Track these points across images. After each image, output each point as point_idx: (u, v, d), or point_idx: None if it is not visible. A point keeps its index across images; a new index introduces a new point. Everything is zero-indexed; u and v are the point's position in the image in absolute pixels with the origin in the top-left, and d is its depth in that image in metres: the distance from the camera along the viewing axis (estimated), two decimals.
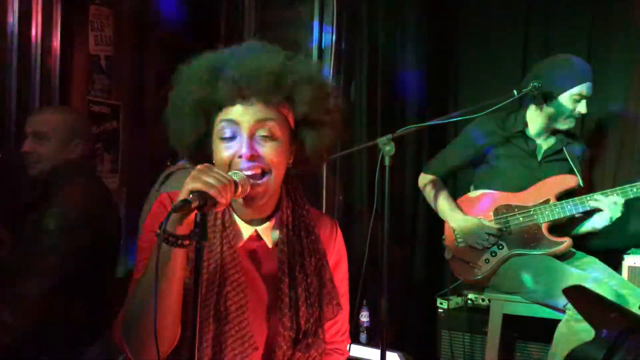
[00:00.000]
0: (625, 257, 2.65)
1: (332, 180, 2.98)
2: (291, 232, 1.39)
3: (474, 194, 2.71)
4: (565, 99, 2.52)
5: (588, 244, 2.77)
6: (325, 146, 1.38)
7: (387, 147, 2.25)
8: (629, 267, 2.63)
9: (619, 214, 2.44)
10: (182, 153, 1.45)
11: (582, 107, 2.53)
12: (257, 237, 1.39)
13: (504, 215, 2.58)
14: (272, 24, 2.85)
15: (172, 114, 1.35)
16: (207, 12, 3.06)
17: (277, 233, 1.39)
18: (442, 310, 2.99)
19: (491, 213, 2.61)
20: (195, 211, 1.15)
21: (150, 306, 1.12)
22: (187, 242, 1.18)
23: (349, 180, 3.07)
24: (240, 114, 1.27)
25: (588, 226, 2.57)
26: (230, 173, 1.25)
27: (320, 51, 2.91)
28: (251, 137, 1.28)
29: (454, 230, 2.64)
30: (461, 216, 2.62)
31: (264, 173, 1.29)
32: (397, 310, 3.07)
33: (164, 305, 1.20)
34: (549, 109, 2.57)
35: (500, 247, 2.55)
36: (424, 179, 2.80)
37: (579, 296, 0.97)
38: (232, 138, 1.28)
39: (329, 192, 2.95)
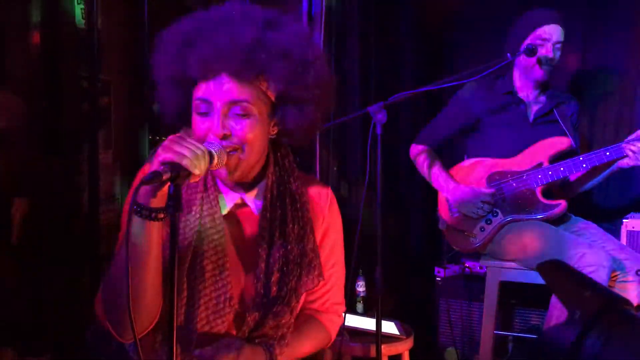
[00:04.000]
0: (624, 221, 2.62)
1: (326, 150, 2.94)
2: (275, 198, 1.37)
3: (466, 162, 2.68)
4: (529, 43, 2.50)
5: (587, 209, 2.74)
6: (308, 121, 1.34)
7: (378, 115, 2.23)
8: (627, 231, 2.61)
9: None
10: (165, 122, 1.42)
11: (546, 51, 2.49)
12: (242, 203, 1.37)
13: (497, 182, 2.55)
14: None
15: (155, 83, 1.33)
16: None
17: (261, 200, 1.37)
18: (439, 279, 2.99)
19: (484, 180, 2.57)
20: (169, 183, 1.13)
21: (126, 282, 1.10)
22: (161, 215, 1.16)
23: (343, 150, 3.04)
24: (213, 93, 1.24)
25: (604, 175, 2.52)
26: (207, 143, 1.22)
27: (310, 18, 2.85)
28: (224, 115, 1.25)
29: (447, 201, 2.62)
30: (454, 186, 2.59)
31: (235, 150, 1.26)
32: (394, 279, 3.07)
33: (142, 280, 1.18)
34: (524, 61, 2.54)
35: (495, 214, 2.53)
36: (415, 149, 2.77)
37: (554, 273, 0.93)
38: (207, 113, 1.26)
39: (322, 162, 2.91)
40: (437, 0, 3.32)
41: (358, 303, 2.69)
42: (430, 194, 2.82)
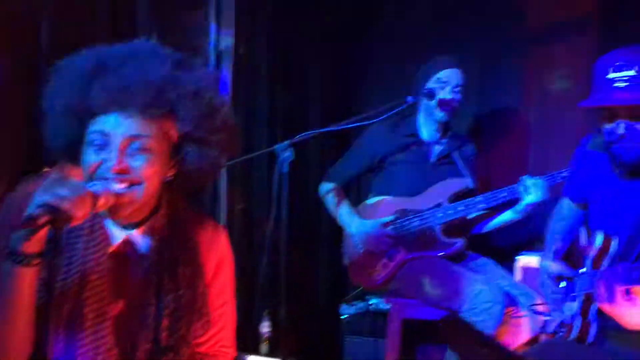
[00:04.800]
0: (518, 258, 2.74)
1: (232, 188, 2.90)
2: (165, 240, 1.32)
3: (371, 200, 2.76)
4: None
5: (483, 246, 2.86)
6: (209, 166, 1.32)
7: (285, 153, 2.25)
8: (522, 268, 2.73)
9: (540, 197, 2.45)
10: (53, 155, 1.35)
11: (445, 93, 2.62)
12: (130, 242, 1.31)
13: (400, 220, 2.62)
14: (169, 28, 2.74)
15: (46, 113, 1.27)
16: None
17: (149, 239, 1.32)
18: (345, 316, 3.00)
19: (388, 218, 2.64)
20: (47, 227, 1.06)
21: None
22: (35, 262, 1.08)
23: (251, 188, 3.01)
24: (113, 126, 1.20)
25: (504, 217, 2.64)
26: (91, 184, 1.17)
27: (218, 54, 2.84)
28: (122, 150, 1.20)
29: (352, 237, 2.66)
30: (358, 221, 2.65)
31: (132, 185, 1.21)
32: (300, 318, 3.04)
33: (11, 328, 1.11)
34: (426, 104, 2.64)
35: (398, 251, 2.59)
36: (325, 187, 2.83)
37: (454, 329, 0.95)
38: (103, 146, 1.21)
39: (228, 200, 2.87)
40: (347, 41, 3.42)
41: (263, 344, 2.63)
42: (339, 232, 2.85)
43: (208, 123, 1.26)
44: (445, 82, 2.63)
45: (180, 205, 1.38)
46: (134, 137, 1.20)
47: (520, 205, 2.53)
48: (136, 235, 1.31)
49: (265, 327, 2.65)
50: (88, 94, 1.20)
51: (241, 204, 2.95)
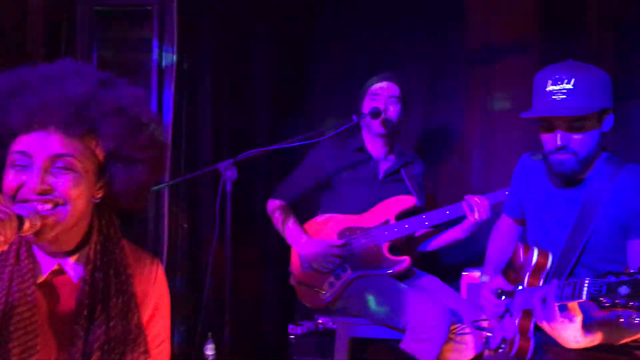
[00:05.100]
0: (463, 274, 2.77)
1: (176, 207, 2.84)
2: (98, 269, 1.26)
3: (319, 218, 2.74)
4: (366, 102, 2.66)
5: (429, 263, 2.88)
6: (139, 184, 1.28)
7: (228, 172, 2.23)
8: (467, 284, 2.76)
9: (484, 215, 2.48)
10: None
11: (378, 104, 2.63)
12: (60, 270, 1.25)
13: (348, 238, 2.61)
14: (110, 43, 2.68)
15: None
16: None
17: (82, 268, 1.26)
18: (293, 336, 2.94)
19: (335, 236, 2.63)
20: None
21: None
22: None
23: (195, 207, 2.96)
24: (35, 146, 1.15)
25: (449, 235, 2.67)
26: (16, 206, 1.11)
27: (161, 71, 2.79)
28: (45, 170, 1.15)
29: (299, 255, 2.63)
30: (305, 240, 2.62)
31: (56, 205, 1.16)
32: (246, 340, 2.98)
33: None
34: (367, 120, 2.66)
35: (345, 270, 2.57)
36: (272, 204, 2.78)
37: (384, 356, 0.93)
38: (24, 167, 1.16)
39: (172, 219, 2.81)
40: (292, 57, 3.42)
41: None
42: (286, 250, 2.81)
43: (133, 140, 1.23)
44: (379, 93, 2.65)
45: (113, 232, 1.32)
46: (56, 156, 1.16)
47: (465, 224, 2.57)
48: (67, 264, 1.26)
49: (209, 350, 2.59)
50: (8, 113, 1.16)
51: (185, 223, 2.90)
